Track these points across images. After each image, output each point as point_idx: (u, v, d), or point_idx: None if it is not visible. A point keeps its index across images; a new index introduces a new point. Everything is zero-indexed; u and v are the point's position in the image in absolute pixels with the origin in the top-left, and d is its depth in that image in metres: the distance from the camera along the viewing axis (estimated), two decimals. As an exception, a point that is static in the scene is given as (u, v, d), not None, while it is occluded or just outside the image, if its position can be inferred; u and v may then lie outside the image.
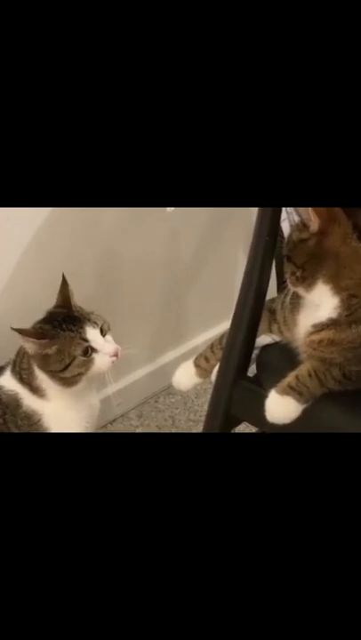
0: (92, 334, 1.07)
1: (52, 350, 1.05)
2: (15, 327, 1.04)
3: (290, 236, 0.95)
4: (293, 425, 0.95)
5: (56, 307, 1.11)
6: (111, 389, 1.58)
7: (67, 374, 1.06)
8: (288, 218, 1.01)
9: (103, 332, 1.10)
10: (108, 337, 1.11)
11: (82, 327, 1.07)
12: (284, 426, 0.95)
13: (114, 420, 1.63)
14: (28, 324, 1.09)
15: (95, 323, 1.09)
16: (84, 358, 1.06)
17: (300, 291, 0.95)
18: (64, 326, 1.06)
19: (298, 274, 0.93)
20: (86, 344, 1.06)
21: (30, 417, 1.09)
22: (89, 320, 1.08)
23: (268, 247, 0.96)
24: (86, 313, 1.10)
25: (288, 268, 0.95)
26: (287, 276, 0.96)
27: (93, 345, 1.07)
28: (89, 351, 1.07)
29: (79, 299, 1.40)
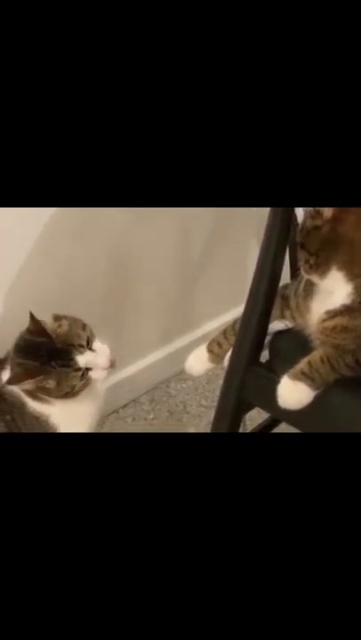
0: (83, 360, 1.07)
1: (50, 385, 1.06)
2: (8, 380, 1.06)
3: (303, 223, 0.95)
4: (305, 410, 0.96)
5: (31, 333, 1.07)
6: (122, 375, 1.60)
7: (68, 395, 1.08)
8: (302, 204, 1.01)
9: (90, 344, 1.09)
10: (97, 344, 1.10)
11: (72, 359, 1.06)
12: (296, 411, 0.96)
13: (125, 405, 1.65)
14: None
15: (81, 346, 1.07)
16: (82, 382, 1.08)
17: (314, 278, 0.95)
18: (53, 363, 1.05)
19: (311, 261, 0.93)
20: (81, 371, 1.07)
21: (38, 418, 1.10)
22: (74, 346, 1.06)
23: (281, 233, 0.96)
24: (67, 336, 1.07)
25: (301, 255, 0.95)
26: (301, 263, 0.96)
27: (88, 366, 1.08)
28: (85, 373, 1.08)
29: (91, 284, 1.42)
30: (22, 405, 1.09)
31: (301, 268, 0.97)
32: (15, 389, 1.09)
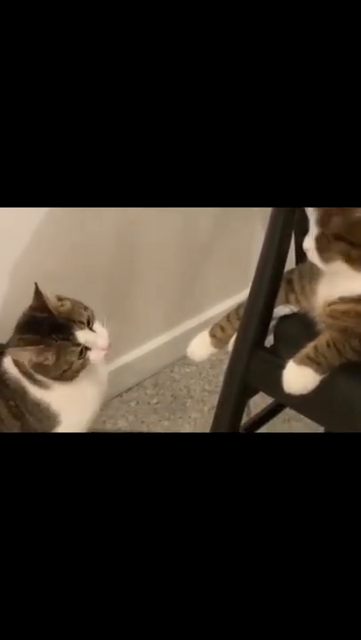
0: (83, 336, 1.08)
1: (49, 360, 1.06)
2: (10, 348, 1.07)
3: (346, 217, 0.90)
4: (310, 395, 0.95)
5: (33, 309, 1.09)
6: (126, 359, 1.60)
7: (65, 375, 1.09)
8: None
9: (90, 324, 1.10)
10: (96, 325, 1.11)
11: (72, 333, 1.07)
12: (301, 396, 0.96)
13: (129, 389, 1.65)
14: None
15: (81, 322, 1.08)
16: (80, 361, 1.08)
17: (342, 267, 0.91)
18: (54, 336, 1.06)
19: (353, 253, 0.90)
20: (80, 347, 1.08)
21: (39, 404, 1.11)
22: (74, 322, 1.07)
23: (287, 218, 0.95)
24: (69, 313, 1.09)
25: (337, 247, 0.90)
26: (325, 254, 0.92)
27: (86, 345, 1.08)
28: (83, 351, 1.08)
29: (96, 269, 1.41)
30: (23, 392, 1.10)
31: (319, 258, 0.93)
32: (15, 374, 1.09)
